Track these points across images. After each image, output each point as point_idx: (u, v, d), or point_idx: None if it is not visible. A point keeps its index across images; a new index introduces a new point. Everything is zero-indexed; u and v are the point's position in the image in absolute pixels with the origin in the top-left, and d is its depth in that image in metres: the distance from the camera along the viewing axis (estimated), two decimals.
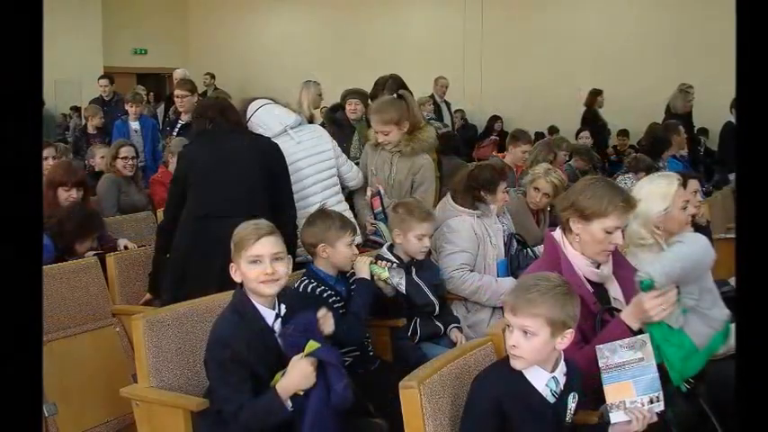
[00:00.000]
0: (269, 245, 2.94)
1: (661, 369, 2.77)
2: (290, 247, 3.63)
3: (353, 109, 6.86)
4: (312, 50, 16.42)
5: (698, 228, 4.52)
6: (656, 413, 2.66)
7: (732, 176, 8.60)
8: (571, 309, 2.56)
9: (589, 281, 3.14)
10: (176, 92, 8.05)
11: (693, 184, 4.90)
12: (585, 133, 10.41)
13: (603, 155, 10.94)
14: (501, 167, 5.15)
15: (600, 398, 2.70)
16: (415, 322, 4.15)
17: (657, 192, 3.69)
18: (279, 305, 3.00)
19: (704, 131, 11.52)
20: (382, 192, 5.04)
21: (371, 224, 5.02)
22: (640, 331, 2.83)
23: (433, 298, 4.22)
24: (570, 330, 2.55)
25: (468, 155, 10.28)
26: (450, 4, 14.94)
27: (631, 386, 2.66)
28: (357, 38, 16.01)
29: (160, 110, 11.12)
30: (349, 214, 4.66)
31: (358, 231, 4.23)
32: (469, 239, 4.49)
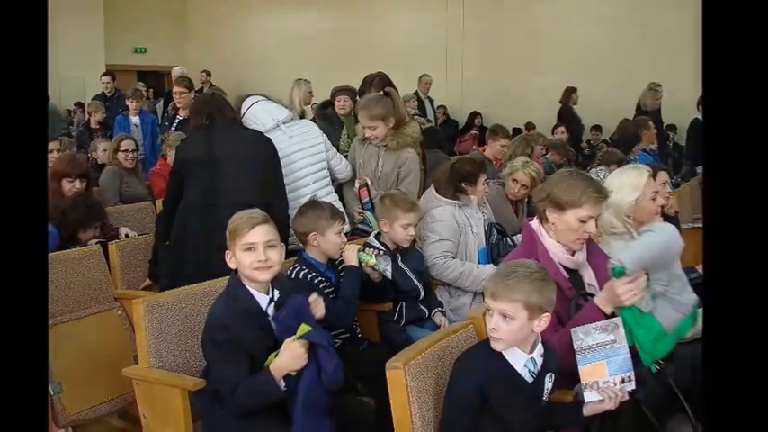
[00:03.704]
0: (262, 233, 2.93)
1: (632, 351, 2.78)
2: (283, 236, 3.62)
3: (342, 105, 6.84)
4: (304, 50, 16.36)
5: (667, 217, 4.53)
6: (628, 392, 2.68)
7: (699, 169, 8.62)
8: (548, 294, 2.57)
9: (565, 267, 3.15)
10: (174, 89, 8.01)
11: (662, 175, 4.90)
12: (561, 128, 10.42)
13: (578, 149, 10.96)
14: (481, 161, 5.13)
15: (575, 378, 2.71)
16: (401, 306, 4.15)
17: (628, 183, 3.69)
18: (272, 290, 3.00)
19: (672, 127, 11.55)
20: (369, 183, 5.03)
21: (359, 214, 5.01)
22: (613, 315, 2.84)
23: (417, 283, 4.22)
24: (547, 314, 2.56)
25: (450, 149, 10.27)
26: (433, 9, 14.94)
27: (604, 366, 2.68)
28: (347, 38, 15.97)
29: (159, 105, 11.04)
30: (338, 205, 4.65)
31: (347, 221, 4.22)
32: (452, 228, 4.49)
